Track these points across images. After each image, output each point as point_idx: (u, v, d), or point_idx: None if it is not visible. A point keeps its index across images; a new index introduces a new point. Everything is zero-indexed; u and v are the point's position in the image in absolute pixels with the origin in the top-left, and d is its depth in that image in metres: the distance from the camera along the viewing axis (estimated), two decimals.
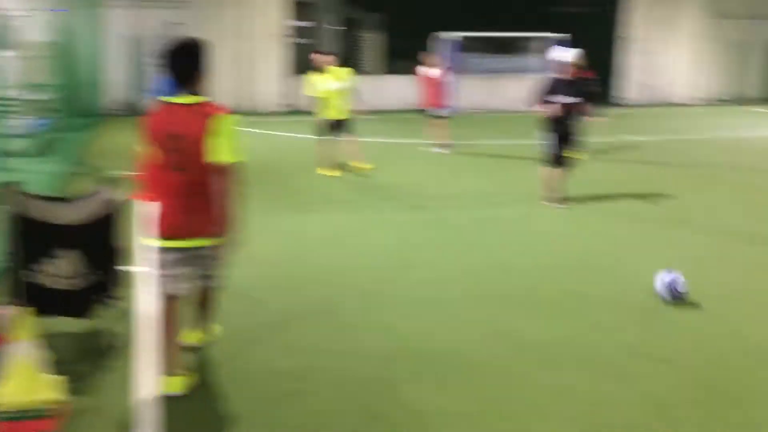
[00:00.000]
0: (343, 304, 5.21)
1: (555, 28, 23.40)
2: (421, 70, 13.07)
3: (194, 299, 4.12)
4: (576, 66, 8.06)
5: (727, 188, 10.05)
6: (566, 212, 8.21)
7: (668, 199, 9.02)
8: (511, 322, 4.88)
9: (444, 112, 13.00)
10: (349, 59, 24.24)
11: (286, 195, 9.04)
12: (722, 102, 26.35)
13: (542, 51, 23.45)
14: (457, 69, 21.71)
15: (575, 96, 8.09)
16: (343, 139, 10.53)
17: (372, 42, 24.77)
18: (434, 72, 12.98)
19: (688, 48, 25.57)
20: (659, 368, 4.17)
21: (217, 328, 4.43)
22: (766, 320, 4.98)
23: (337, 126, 10.38)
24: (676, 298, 5.15)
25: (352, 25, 26.65)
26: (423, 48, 23.92)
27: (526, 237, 7.27)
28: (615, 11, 25.35)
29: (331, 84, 10.20)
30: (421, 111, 13.52)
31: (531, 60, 24.13)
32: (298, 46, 22.15)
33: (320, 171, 10.50)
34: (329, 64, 10.27)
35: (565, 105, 8.01)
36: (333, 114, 10.30)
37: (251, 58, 20.73)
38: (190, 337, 4.27)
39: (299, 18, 23.48)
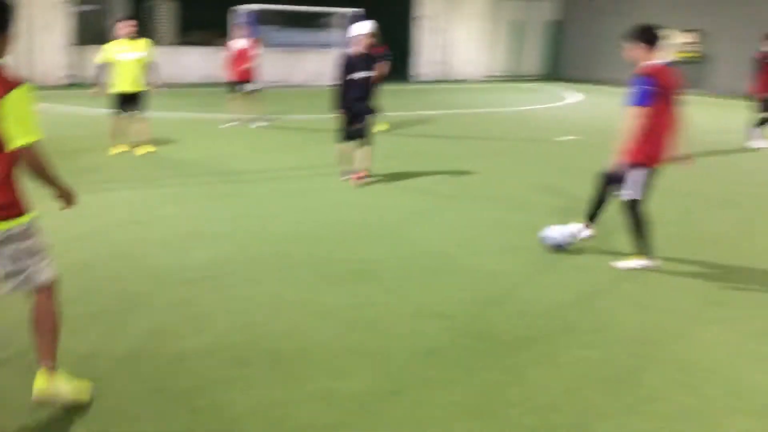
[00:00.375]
0: (131, 281, 5.09)
1: (353, 5, 23.84)
2: (230, 42, 12.99)
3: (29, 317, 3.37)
4: (370, 40, 8.17)
5: (508, 159, 11.00)
6: (363, 185, 8.54)
7: (455, 171, 9.70)
8: (303, 293, 5.05)
9: (253, 86, 12.92)
10: (141, 29, 23.03)
11: (76, 174, 8.52)
12: (505, 78, 28.52)
13: (341, 26, 23.92)
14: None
15: (370, 70, 8.32)
16: (136, 114, 10.02)
17: (165, 12, 23.63)
18: (241, 44, 12.83)
19: (473, 27, 27.31)
20: (441, 323, 4.56)
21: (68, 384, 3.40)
22: (534, 277, 5.58)
23: (131, 99, 9.84)
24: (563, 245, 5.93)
25: None
26: (219, 19, 23.34)
27: (321, 209, 7.48)
28: None
29: (128, 54, 9.65)
30: (228, 84, 13.23)
31: (330, 35, 24.46)
32: (83, 14, 20.64)
33: (114, 148, 9.98)
34: (127, 33, 9.68)
35: (361, 79, 8.17)
36: (128, 87, 9.74)
37: (30, 27, 18.98)
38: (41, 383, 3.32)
39: None
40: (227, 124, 13.08)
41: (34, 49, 19.12)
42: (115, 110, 9.89)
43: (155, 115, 10.43)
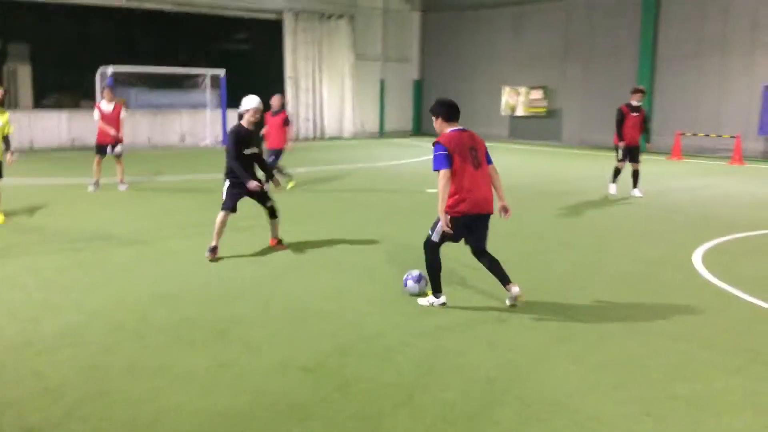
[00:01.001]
0: None
1: (225, 65, 23.98)
2: (98, 104, 12.78)
3: None
4: (256, 116, 7.92)
5: (378, 210, 11.30)
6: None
7: (325, 225, 9.86)
8: (162, 357, 4.96)
9: (119, 149, 12.73)
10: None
11: None
12: (374, 135, 29.37)
13: (209, 86, 23.90)
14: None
15: (258, 146, 8.11)
16: None
17: (23, 75, 22.70)
18: (108, 107, 12.59)
19: (340, 86, 28.07)
20: (304, 377, 4.62)
21: None
22: (395, 323, 5.76)
23: None
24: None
25: None
26: (78, 82, 22.76)
27: (187, 270, 7.37)
28: (277, 50, 26.75)
29: None
30: (97, 147, 12.79)
31: (196, 95, 24.37)
32: None
33: None
34: None
35: (252, 155, 7.96)
36: None
37: None
38: None
39: None
40: (90, 188, 12.65)
41: None
42: None
43: (14, 182, 9.94)
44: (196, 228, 9.39)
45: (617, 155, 12.88)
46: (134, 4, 22.99)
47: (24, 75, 22.75)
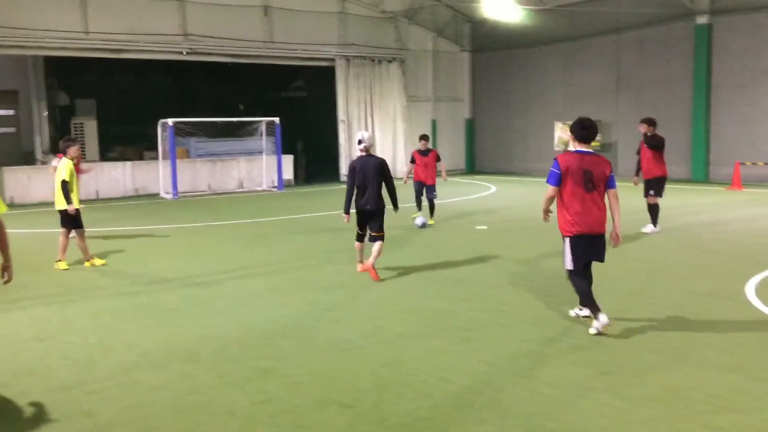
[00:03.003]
0: (36, 395, 5.06)
1: (279, 112, 24.68)
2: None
3: None
4: (368, 145, 9.07)
5: (431, 249, 11.38)
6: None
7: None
8: (206, 394, 5.12)
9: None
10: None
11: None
12: None
13: (265, 133, 24.60)
14: (175, 154, 21.91)
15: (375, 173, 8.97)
16: (79, 230, 10.24)
17: (86, 129, 23.89)
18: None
19: (393, 128, 28.48)
20: (343, 412, 4.69)
21: None
22: (433, 359, 5.79)
23: (77, 216, 10.10)
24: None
25: (63, 112, 25.56)
26: (139, 134, 23.75)
27: (233, 311, 7.58)
28: (331, 95, 27.41)
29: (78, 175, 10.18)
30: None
31: (252, 142, 25.12)
32: (0, 135, 20.71)
33: (60, 265, 10.12)
34: (76, 153, 10.19)
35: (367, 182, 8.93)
36: (77, 203, 10.05)
37: None
38: None
39: (2, 106, 22.05)
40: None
41: None
42: (67, 226, 10.16)
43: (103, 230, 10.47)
44: (245, 270, 9.66)
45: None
46: (194, 58, 23.98)
47: (90, 129, 23.92)
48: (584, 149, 6.35)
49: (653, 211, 12.25)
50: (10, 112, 23.37)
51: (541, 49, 27.85)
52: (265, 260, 10.54)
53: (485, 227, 13.64)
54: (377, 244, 8.95)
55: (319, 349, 6.15)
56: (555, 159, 6.37)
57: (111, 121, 24.59)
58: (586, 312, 6.61)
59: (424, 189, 14.15)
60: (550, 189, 6.36)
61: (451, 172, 30.25)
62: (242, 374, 5.51)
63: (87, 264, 10.22)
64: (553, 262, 9.39)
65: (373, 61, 27.72)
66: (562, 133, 27.13)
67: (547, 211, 6.60)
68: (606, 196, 6.37)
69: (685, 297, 7.67)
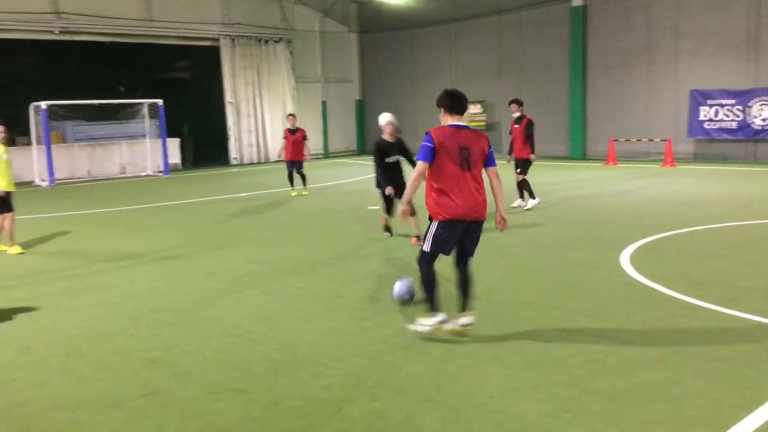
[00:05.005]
0: None
1: (163, 95, 23.78)
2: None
3: None
4: (391, 127, 9.78)
5: (314, 232, 11.37)
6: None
7: (261, 248, 9.87)
8: (89, 390, 4.92)
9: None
10: None
11: None
12: (318, 155, 29.43)
13: (148, 115, 23.69)
14: (49, 139, 20.74)
15: (398, 154, 9.86)
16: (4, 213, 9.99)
17: None
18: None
19: (281, 109, 28.15)
20: (235, 398, 4.64)
21: None
22: (328, 339, 5.82)
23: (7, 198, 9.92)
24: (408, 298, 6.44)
25: None
26: (11, 117, 22.40)
27: (116, 302, 7.31)
28: (216, 76, 26.72)
29: (4, 155, 9.82)
30: None
31: (134, 125, 24.14)
32: None
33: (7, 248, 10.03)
34: (4, 136, 9.91)
35: (393, 162, 9.79)
36: (7, 186, 9.83)
37: None
38: None
39: None
40: None
41: None
42: None
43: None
44: (128, 259, 9.33)
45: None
46: (67, 37, 22.67)
47: None
48: (458, 123, 5.56)
49: (525, 186, 12.83)
50: None
51: (426, 30, 28.26)
52: (149, 248, 10.20)
53: (377, 207, 13.77)
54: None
55: (210, 336, 6.03)
56: (427, 133, 5.52)
57: None
58: (439, 318, 5.69)
59: (295, 166, 15.86)
60: (420, 165, 5.45)
61: (343, 154, 30.35)
62: (129, 366, 5.33)
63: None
64: None
65: (259, 41, 27.22)
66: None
67: (411, 197, 5.59)
68: (486, 176, 5.64)
69: (564, 267, 8.07)
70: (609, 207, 12.76)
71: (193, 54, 28.74)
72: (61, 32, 22.23)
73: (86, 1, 22.42)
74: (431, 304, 5.68)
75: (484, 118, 26.46)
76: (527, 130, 12.65)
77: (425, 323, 5.72)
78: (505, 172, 13.97)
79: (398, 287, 6.44)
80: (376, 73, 30.71)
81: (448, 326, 5.69)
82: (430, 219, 5.59)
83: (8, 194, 10.00)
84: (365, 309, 6.65)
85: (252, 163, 26.99)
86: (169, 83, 30.81)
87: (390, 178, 9.76)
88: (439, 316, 5.68)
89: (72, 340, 5.99)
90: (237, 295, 7.38)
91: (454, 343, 5.59)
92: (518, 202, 13.05)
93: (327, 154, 30.10)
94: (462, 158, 5.41)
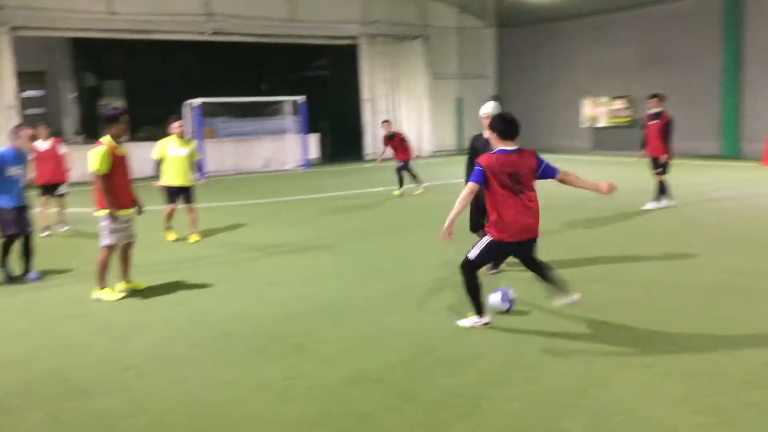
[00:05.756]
0: (73, 371, 5.18)
1: (303, 92, 24.64)
2: (35, 144, 11.08)
3: None
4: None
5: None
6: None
7: (399, 243, 10.01)
8: (240, 370, 5.19)
9: (63, 189, 11.68)
10: (89, 126, 23.55)
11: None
12: (452, 152, 29.40)
13: (290, 112, 24.63)
14: (202, 134, 22.02)
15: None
16: (184, 206, 10.58)
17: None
18: (44, 144, 11.45)
19: (417, 106, 28.33)
20: (373, 388, 4.74)
21: None
22: (464, 335, 5.80)
23: (178, 192, 10.44)
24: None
25: (91, 93, 25.81)
26: (167, 114, 23.80)
27: (262, 288, 7.65)
28: (354, 74, 27.32)
29: (177, 150, 10.28)
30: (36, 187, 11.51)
31: (277, 122, 25.14)
32: (31, 116, 20.95)
33: (168, 236, 10.58)
34: (176, 130, 10.33)
35: None
36: (178, 181, 10.33)
37: None
38: None
39: (30, 87, 22.30)
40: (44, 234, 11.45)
41: None
42: (169, 202, 10.54)
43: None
44: (275, 248, 9.74)
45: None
46: (217, 38, 24.00)
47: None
48: (508, 148, 5.62)
49: (663, 186, 12.17)
50: (39, 92, 23.65)
51: (567, 25, 27.44)
52: (293, 239, 10.61)
53: None
54: None
55: (351, 326, 6.19)
56: (477, 163, 5.66)
57: (139, 102, 24.75)
58: (486, 320, 5.92)
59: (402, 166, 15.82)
60: (470, 185, 5.58)
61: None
62: (274, 350, 5.58)
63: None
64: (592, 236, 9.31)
65: (396, 38, 27.54)
66: (589, 109, 26.84)
67: (454, 219, 5.62)
68: (557, 182, 5.74)
69: (716, 274, 7.58)
70: (765, 210, 11.84)
71: (332, 52, 29.55)
72: (212, 33, 23.55)
73: (236, 3, 23.61)
74: (477, 308, 5.90)
75: (628, 114, 25.38)
76: (665, 130, 11.95)
77: (473, 321, 5.94)
78: (634, 169, 13.33)
79: (494, 299, 6.25)
80: (513, 68, 30.22)
81: (560, 302, 5.84)
82: (486, 235, 5.78)
83: (184, 188, 10.42)
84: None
85: (386, 159, 27.40)
86: (309, 81, 31.90)
87: None
88: (486, 318, 5.92)
89: (223, 323, 6.35)
90: (376, 287, 7.52)
91: (599, 348, 5.40)
92: (661, 203, 12.22)
93: (461, 150, 29.97)
94: (513, 183, 5.58)
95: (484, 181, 5.59)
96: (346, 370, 5.09)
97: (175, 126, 10.39)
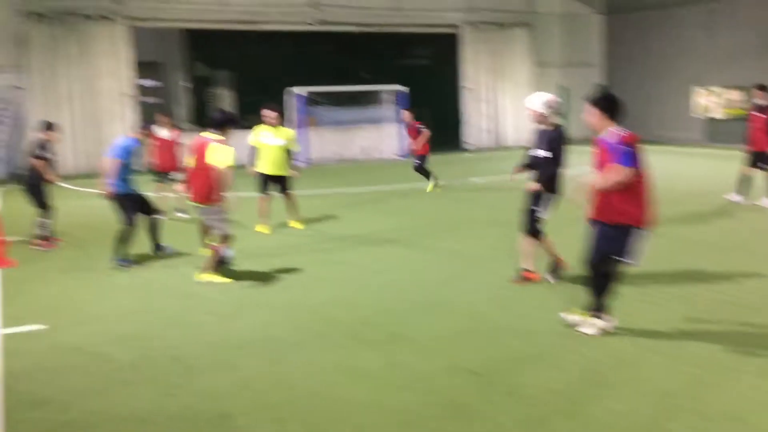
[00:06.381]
0: (185, 348, 5.44)
1: (402, 81, 24.71)
2: (154, 131, 11.26)
3: None
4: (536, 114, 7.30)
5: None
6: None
7: (494, 234, 9.91)
8: (339, 355, 5.30)
9: (176, 176, 11.51)
10: (201, 115, 24.57)
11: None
12: None
13: (389, 101, 24.77)
14: (306, 122, 22.50)
15: (543, 148, 7.16)
16: (280, 195, 10.53)
17: (223, 98, 25.03)
18: (164, 133, 11.92)
19: (520, 94, 27.78)
20: (472, 380, 4.74)
21: None
22: (567, 333, 5.69)
23: (270, 181, 10.40)
24: None
25: (201, 83, 26.85)
26: (275, 103, 24.40)
27: (362, 276, 7.76)
28: (455, 63, 27.12)
29: (270, 139, 10.26)
30: (153, 173, 12.26)
31: (380, 110, 25.33)
32: (146, 105, 22.04)
33: (259, 227, 10.38)
34: (272, 120, 10.27)
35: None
36: (268, 169, 10.32)
37: (100, 118, 20.40)
38: None
39: (146, 77, 23.45)
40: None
41: (102, 138, 20.46)
42: (263, 191, 10.45)
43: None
44: (372, 235, 9.86)
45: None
46: (322, 27, 24.40)
47: (226, 99, 25.02)
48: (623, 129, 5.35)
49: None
50: (155, 83, 24.84)
51: (680, 9, 26.14)
52: (391, 227, 10.68)
53: None
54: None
55: (447, 316, 6.20)
56: (621, 138, 5.24)
57: (246, 91, 25.54)
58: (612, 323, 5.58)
59: (415, 159, 14.96)
60: (627, 172, 5.14)
61: (581, 141, 29.24)
62: (373, 337, 5.67)
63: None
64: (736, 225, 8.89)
65: (499, 26, 27.10)
66: (702, 98, 25.56)
67: (592, 188, 5.35)
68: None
69: None
70: None
71: (432, 41, 29.38)
72: (317, 23, 23.97)
73: None
74: (600, 307, 5.54)
75: (744, 105, 23.95)
76: None
77: (599, 324, 5.53)
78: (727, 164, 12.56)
79: None
80: (621, 56, 29.10)
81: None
82: (627, 227, 5.28)
83: (277, 177, 10.35)
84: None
85: (485, 149, 27.10)
86: (408, 70, 31.86)
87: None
88: (613, 321, 5.58)
89: (323, 309, 6.50)
90: (473, 278, 7.49)
91: (709, 349, 5.17)
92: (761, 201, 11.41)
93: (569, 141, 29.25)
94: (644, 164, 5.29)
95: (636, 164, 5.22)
96: (445, 361, 5.10)
97: (266, 115, 10.39)
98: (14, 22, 19.17)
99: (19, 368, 5.16)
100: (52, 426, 4.24)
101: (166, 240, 9.11)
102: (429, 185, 14.63)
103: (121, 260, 8.29)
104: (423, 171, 14.79)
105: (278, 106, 10.58)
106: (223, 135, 7.48)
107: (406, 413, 4.28)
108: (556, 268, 7.16)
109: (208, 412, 4.35)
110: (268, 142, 10.29)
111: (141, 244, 8.72)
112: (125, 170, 8.48)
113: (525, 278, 7.10)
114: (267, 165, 10.34)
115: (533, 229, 7.03)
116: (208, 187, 7.36)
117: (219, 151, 7.29)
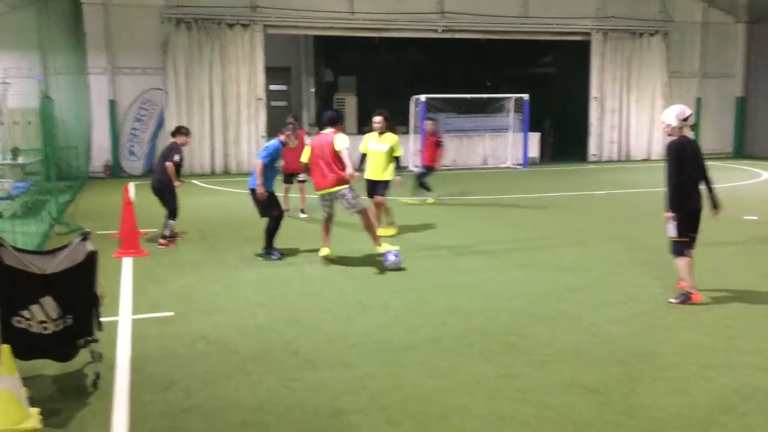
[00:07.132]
0: (302, 344, 5.61)
1: (527, 89, 24.36)
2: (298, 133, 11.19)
3: None
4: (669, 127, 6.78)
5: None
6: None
7: (615, 248, 9.54)
8: (453, 361, 5.29)
9: (303, 176, 12.15)
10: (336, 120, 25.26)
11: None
12: None
13: (512, 109, 24.48)
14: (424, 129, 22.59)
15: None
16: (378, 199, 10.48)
17: (348, 104, 25.62)
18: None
19: (649, 106, 26.63)
20: (591, 398, 4.59)
21: None
22: (695, 357, 5.40)
23: (375, 186, 10.43)
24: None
25: (328, 88, 27.66)
26: (395, 109, 24.87)
27: (474, 284, 7.70)
28: (583, 71, 26.40)
29: (375, 146, 10.34)
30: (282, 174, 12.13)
31: (499, 119, 25.05)
32: (273, 108, 22.98)
33: (382, 231, 10.29)
34: (378, 125, 10.32)
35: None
36: (371, 174, 10.41)
37: (237, 120, 21.48)
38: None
39: (275, 82, 24.45)
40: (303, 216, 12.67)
41: (240, 139, 21.54)
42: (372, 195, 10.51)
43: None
44: (489, 245, 9.75)
45: None
46: (448, 35, 24.47)
47: (351, 104, 25.60)
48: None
49: None
50: (283, 87, 25.85)
51: None
52: (509, 238, 10.56)
53: (756, 217, 12.33)
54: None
55: (565, 330, 6.04)
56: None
57: (370, 97, 26.05)
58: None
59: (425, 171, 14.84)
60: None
61: (716, 156, 27.69)
62: (487, 346, 5.62)
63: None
64: None
65: (633, 34, 26.11)
66: None
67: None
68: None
69: None
70: None
71: (560, 49, 28.75)
72: (443, 30, 24.05)
73: (469, 0, 23.89)
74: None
75: None
76: None
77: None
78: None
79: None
80: (763, 67, 27.30)
81: None
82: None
83: (378, 182, 10.30)
84: (735, 326, 6.02)
85: (611, 161, 26.16)
86: (533, 78, 31.39)
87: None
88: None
89: (438, 314, 6.51)
90: (591, 293, 7.26)
91: None
92: None
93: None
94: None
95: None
96: (562, 375, 4.98)
97: (374, 121, 10.40)
98: (161, 28, 20.55)
99: (146, 352, 5.51)
100: (178, 409, 4.49)
101: (293, 240, 9.45)
102: (430, 198, 14.52)
103: (272, 252, 8.98)
104: (424, 184, 14.55)
105: (386, 112, 10.55)
106: (338, 130, 8.62)
107: (524, 426, 4.21)
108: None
109: (322, 407, 4.47)
110: (374, 148, 10.39)
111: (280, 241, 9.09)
112: (270, 171, 9.23)
113: (686, 297, 6.79)
114: (370, 170, 10.47)
115: (674, 251, 6.86)
116: (336, 174, 8.43)
117: (341, 140, 8.46)
